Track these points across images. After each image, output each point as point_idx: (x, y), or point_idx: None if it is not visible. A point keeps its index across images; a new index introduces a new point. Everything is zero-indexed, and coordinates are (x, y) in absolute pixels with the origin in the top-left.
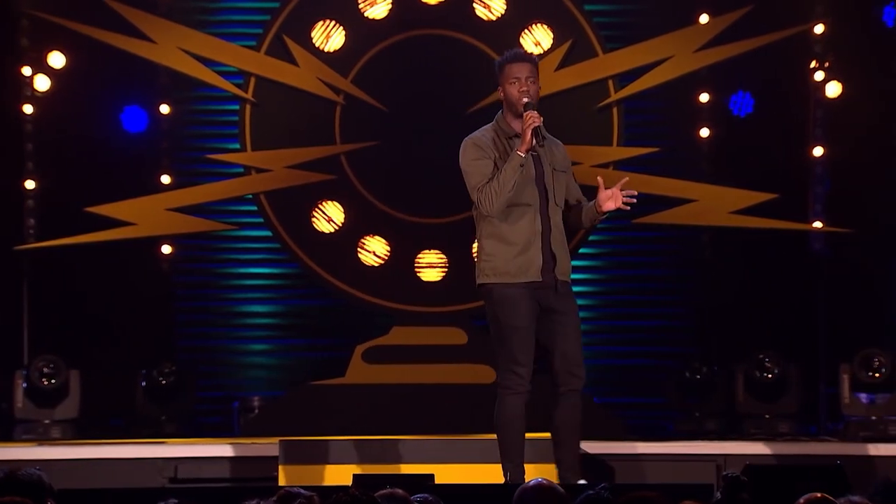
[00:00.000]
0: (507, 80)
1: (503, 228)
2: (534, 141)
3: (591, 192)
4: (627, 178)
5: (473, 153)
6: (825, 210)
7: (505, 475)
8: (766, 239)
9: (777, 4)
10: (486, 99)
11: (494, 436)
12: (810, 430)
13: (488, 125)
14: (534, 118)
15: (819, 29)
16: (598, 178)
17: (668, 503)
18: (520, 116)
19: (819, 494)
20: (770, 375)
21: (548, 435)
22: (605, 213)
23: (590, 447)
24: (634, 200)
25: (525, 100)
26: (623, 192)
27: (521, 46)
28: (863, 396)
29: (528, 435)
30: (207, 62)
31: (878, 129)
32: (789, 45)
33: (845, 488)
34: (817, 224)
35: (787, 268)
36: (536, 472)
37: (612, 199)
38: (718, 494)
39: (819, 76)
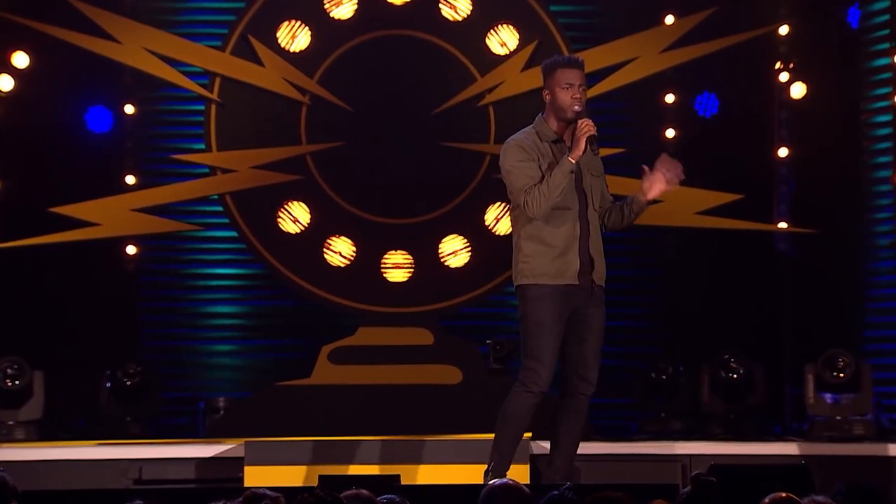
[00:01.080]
0: (558, 84)
1: (544, 231)
2: (588, 149)
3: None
4: (664, 155)
5: (518, 154)
6: (790, 210)
7: (489, 464)
8: (731, 239)
9: (742, 6)
10: (452, 99)
11: (461, 436)
12: (775, 430)
13: (528, 127)
14: (590, 127)
15: (784, 30)
16: (644, 166)
17: (634, 503)
18: (564, 121)
19: (783, 494)
20: (735, 375)
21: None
22: (650, 201)
23: None
24: (681, 174)
25: (576, 108)
26: (665, 170)
27: (486, 47)
28: (827, 396)
29: (490, 435)
30: (172, 62)
31: (842, 129)
32: (754, 46)
33: (810, 488)
34: (782, 224)
35: (752, 268)
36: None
37: (657, 183)
38: (687, 489)
39: (784, 77)
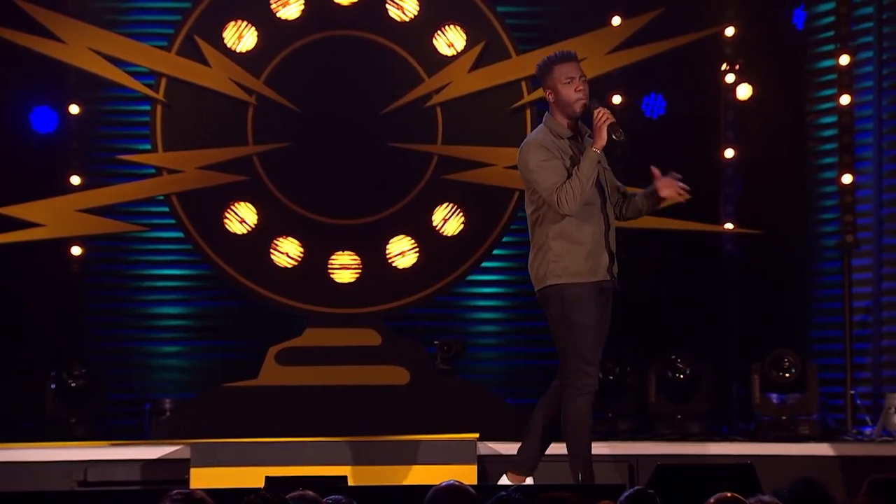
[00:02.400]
0: (559, 81)
1: (571, 229)
2: (612, 137)
3: None
4: (679, 175)
5: (542, 154)
6: (736, 211)
7: (576, 476)
8: (677, 240)
9: (688, 7)
10: (399, 100)
11: (409, 437)
12: (722, 431)
13: (539, 127)
14: (607, 115)
15: (730, 31)
16: (652, 168)
17: (581, 503)
18: (573, 117)
19: (729, 494)
20: (682, 376)
21: (469, 436)
22: (664, 200)
23: (503, 448)
24: (688, 195)
25: (581, 100)
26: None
27: (434, 48)
28: (773, 397)
29: (437, 436)
30: (118, 62)
31: (788, 130)
32: (701, 47)
33: (756, 488)
34: (729, 225)
35: (698, 269)
36: (456, 473)
37: (670, 188)
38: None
39: (730, 78)
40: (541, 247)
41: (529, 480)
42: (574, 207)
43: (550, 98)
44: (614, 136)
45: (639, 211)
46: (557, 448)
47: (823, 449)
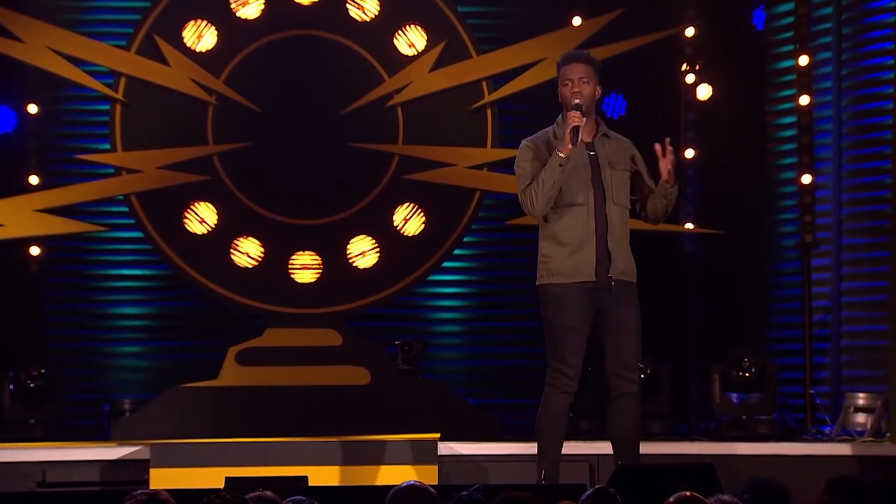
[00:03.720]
0: (560, 82)
1: (557, 229)
2: (573, 141)
3: None
4: (668, 138)
5: (525, 154)
6: (696, 211)
7: (539, 474)
8: (638, 239)
9: (649, 7)
10: (360, 100)
11: (370, 437)
12: (682, 430)
13: (550, 126)
14: (575, 118)
15: (690, 32)
16: (656, 145)
17: (541, 503)
18: None
19: (689, 493)
20: (642, 376)
21: (430, 436)
22: (669, 181)
23: (464, 448)
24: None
25: (576, 101)
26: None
27: (394, 48)
28: (733, 396)
29: (398, 436)
30: (77, 62)
31: (748, 131)
32: (661, 47)
33: (716, 487)
34: (689, 225)
35: (658, 268)
36: (416, 473)
37: (663, 163)
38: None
39: (690, 79)
40: (537, 246)
41: None
42: (537, 210)
43: (560, 98)
44: (573, 143)
45: (655, 208)
46: (518, 448)
47: (783, 448)
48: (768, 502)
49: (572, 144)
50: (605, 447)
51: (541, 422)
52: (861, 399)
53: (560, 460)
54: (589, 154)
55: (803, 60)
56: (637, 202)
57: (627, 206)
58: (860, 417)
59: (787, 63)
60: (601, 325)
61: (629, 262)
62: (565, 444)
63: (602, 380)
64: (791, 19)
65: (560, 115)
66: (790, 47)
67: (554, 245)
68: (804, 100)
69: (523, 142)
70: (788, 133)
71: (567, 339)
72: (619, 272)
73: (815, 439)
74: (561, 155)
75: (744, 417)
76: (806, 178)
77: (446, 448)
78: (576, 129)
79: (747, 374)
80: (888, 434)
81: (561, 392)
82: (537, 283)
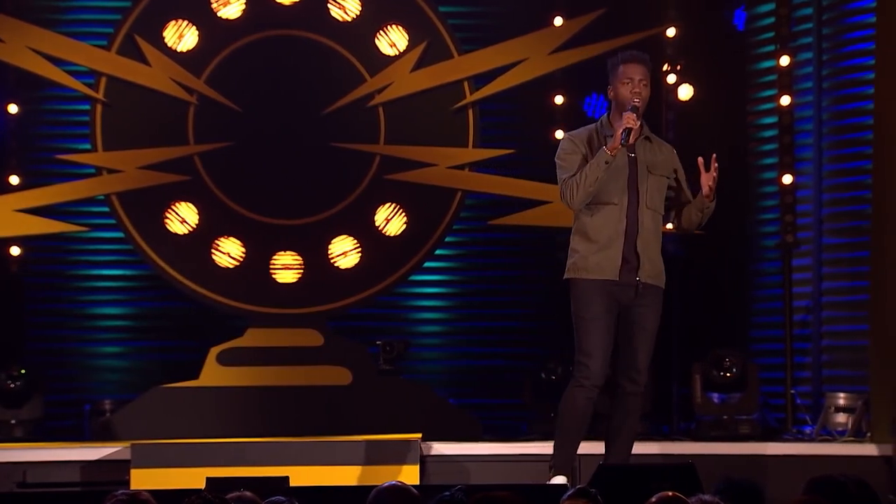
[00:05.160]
0: (619, 80)
1: (588, 225)
2: (624, 142)
3: None
4: (715, 154)
5: (566, 146)
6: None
7: (551, 461)
8: None
9: (630, 8)
10: (341, 100)
11: (351, 438)
12: (663, 430)
13: (592, 124)
14: (630, 120)
15: (671, 32)
16: (699, 159)
17: (519, 502)
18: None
19: (671, 493)
20: None
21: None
22: (709, 197)
23: (446, 448)
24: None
25: (636, 102)
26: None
27: (376, 48)
28: (714, 396)
29: (380, 436)
30: (57, 61)
31: (729, 131)
32: (642, 47)
33: (697, 487)
34: (669, 225)
35: None
36: (398, 473)
37: (705, 179)
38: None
39: (671, 79)
40: (569, 239)
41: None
42: (573, 202)
43: (610, 95)
44: (623, 143)
45: (689, 220)
46: (500, 448)
47: (764, 448)
48: (742, 502)
49: (623, 144)
50: (587, 447)
51: (560, 413)
52: (842, 399)
53: (575, 455)
54: (629, 156)
55: (784, 61)
56: (672, 210)
57: (661, 211)
58: (841, 417)
59: (768, 63)
60: (621, 323)
61: (658, 267)
62: (546, 444)
63: (611, 378)
64: (772, 20)
65: (605, 115)
66: (771, 48)
67: (583, 241)
68: (785, 100)
69: (565, 136)
70: (769, 133)
71: (589, 333)
72: (647, 276)
73: (796, 439)
74: (608, 152)
75: (725, 417)
76: (787, 179)
77: (428, 448)
78: (628, 131)
79: (728, 374)
80: (869, 434)
81: (580, 385)
82: (566, 277)
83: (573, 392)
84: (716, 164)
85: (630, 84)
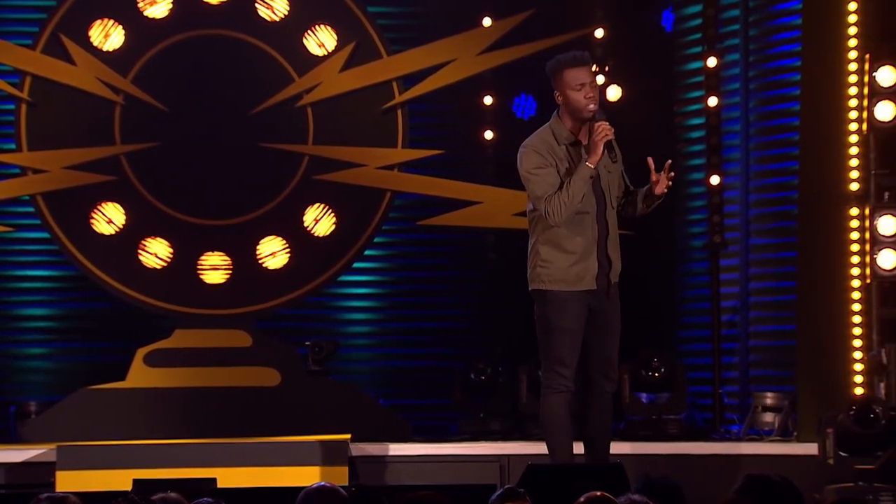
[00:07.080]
0: (568, 86)
1: (562, 236)
2: (605, 154)
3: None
4: (670, 161)
5: (536, 160)
6: None
7: None
8: None
9: (558, 8)
10: (269, 100)
11: (280, 439)
12: None
13: (543, 127)
14: (606, 130)
15: (599, 33)
16: (649, 159)
17: (446, 502)
18: (580, 121)
19: (599, 493)
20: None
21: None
22: (660, 196)
23: (375, 449)
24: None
25: (591, 107)
26: (666, 175)
27: (304, 48)
28: (643, 396)
29: (309, 437)
30: None
31: (657, 132)
32: (570, 48)
33: (626, 487)
34: None
35: None
36: (327, 474)
37: (660, 184)
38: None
39: (600, 80)
40: (532, 247)
41: None
42: (561, 219)
43: (559, 101)
44: (608, 156)
45: (634, 211)
46: (429, 448)
47: (692, 448)
48: (662, 500)
49: (611, 159)
50: (515, 447)
51: (545, 424)
52: (769, 398)
53: (572, 460)
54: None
55: (711, 62)
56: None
57: (617, 207)
58: (768, 417)
59: (695, 64)
60: (589, 324)
61: (620, 264)
62: (476, 444)
63: (584, 377)
64: (699, 21)
65: (555, 115)
66: (698, 49)
67: (556, 251)
68: (712, 101)
69: (527, 147)
70: (697, 134)
71: (564, 343)
72: (615, 274)
73: (724, 439)
74: (590, 166)
75: (653, 417)
76: (714, 179)
77: (357, 449)
78: (610, 143)
79: (656, 374)
80: (795, 433)
81: (557, 392)
82: (534, 288)
83: (554, 400)
84: (672, 174)
85: (583, 89)
